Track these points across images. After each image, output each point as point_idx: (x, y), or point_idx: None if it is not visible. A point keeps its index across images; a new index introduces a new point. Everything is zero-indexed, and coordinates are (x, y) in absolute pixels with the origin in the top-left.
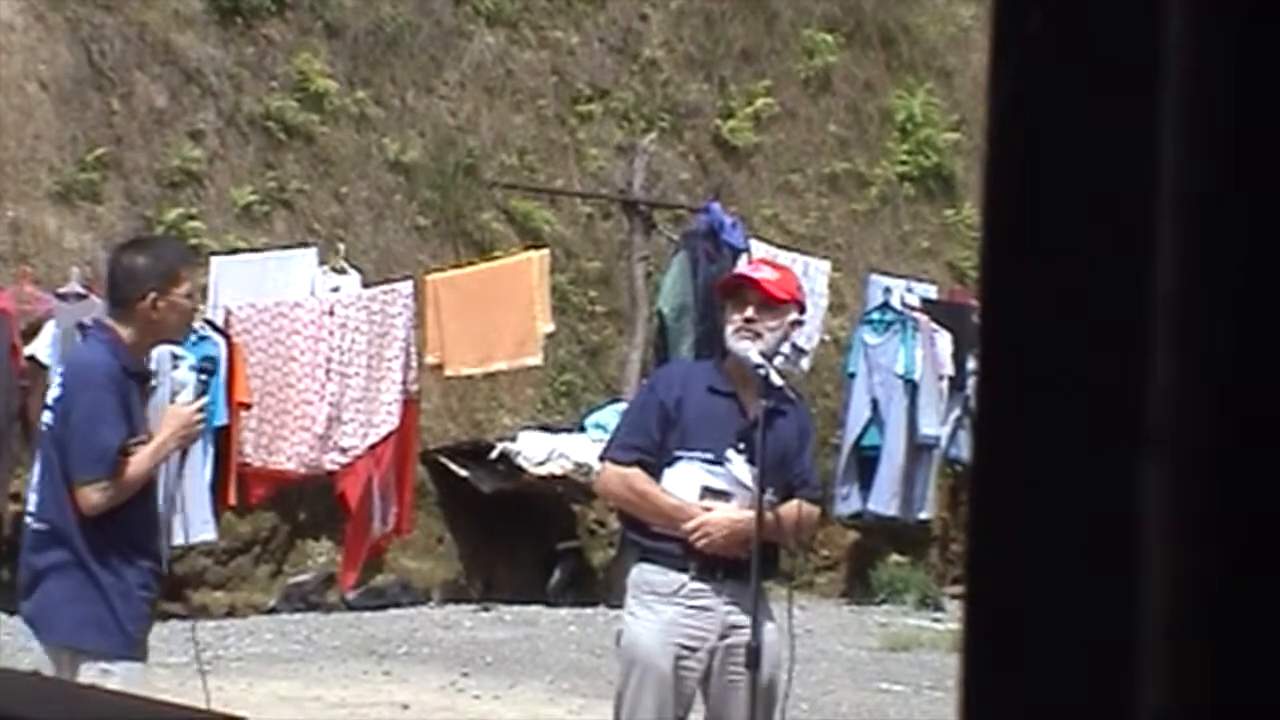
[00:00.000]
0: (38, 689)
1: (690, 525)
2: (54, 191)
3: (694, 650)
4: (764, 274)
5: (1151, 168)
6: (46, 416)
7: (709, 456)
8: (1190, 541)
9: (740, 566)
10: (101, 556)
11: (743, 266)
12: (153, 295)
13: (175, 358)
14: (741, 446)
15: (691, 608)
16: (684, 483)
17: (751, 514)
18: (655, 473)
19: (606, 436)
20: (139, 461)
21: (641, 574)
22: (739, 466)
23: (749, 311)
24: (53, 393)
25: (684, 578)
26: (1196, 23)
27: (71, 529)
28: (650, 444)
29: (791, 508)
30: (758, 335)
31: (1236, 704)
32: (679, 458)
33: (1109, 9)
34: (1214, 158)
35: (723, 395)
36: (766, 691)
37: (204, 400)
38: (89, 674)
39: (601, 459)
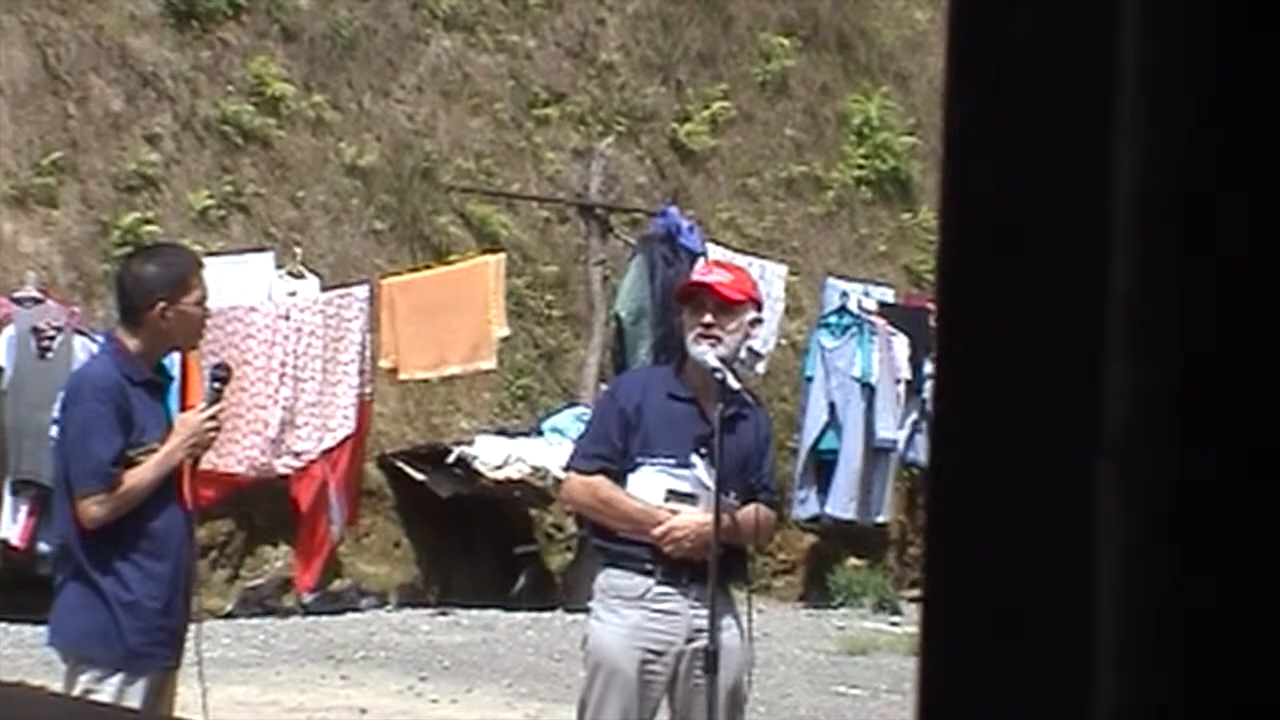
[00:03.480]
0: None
1: (658, 531)
2: (9, 196)
3: (660, 654)
4: (717, 277)
5: (1107, 172)
6: (54, 431)
7: (672, 460)
8: (1146, 545)
9: (706, 570)
10: (106, 567)
11: (697, 271)
12: (162, 304)
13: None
14: (703, 450)
15: (657, 612)
16: (648, 487)
17: (708, 516)
18: (619, 479)
19: (564, 441)
20: (141, 472)
21: (608, 578)
22: (703, 470)
23: (707, 317)
24: (57, 407)
25: (649, 582)
26: (1152, 27)
27: (76, 541)
28: (612, 451)
29: (750, 511)
30: (718, 339)
31: (1192, 707)
32: (641, 463)
33: (1066, 15)
34: (1170, 162)
35: (682, 400)
36: (731, 695)
37: (216, 408)
38: (84, 682)
39: (566, 470)
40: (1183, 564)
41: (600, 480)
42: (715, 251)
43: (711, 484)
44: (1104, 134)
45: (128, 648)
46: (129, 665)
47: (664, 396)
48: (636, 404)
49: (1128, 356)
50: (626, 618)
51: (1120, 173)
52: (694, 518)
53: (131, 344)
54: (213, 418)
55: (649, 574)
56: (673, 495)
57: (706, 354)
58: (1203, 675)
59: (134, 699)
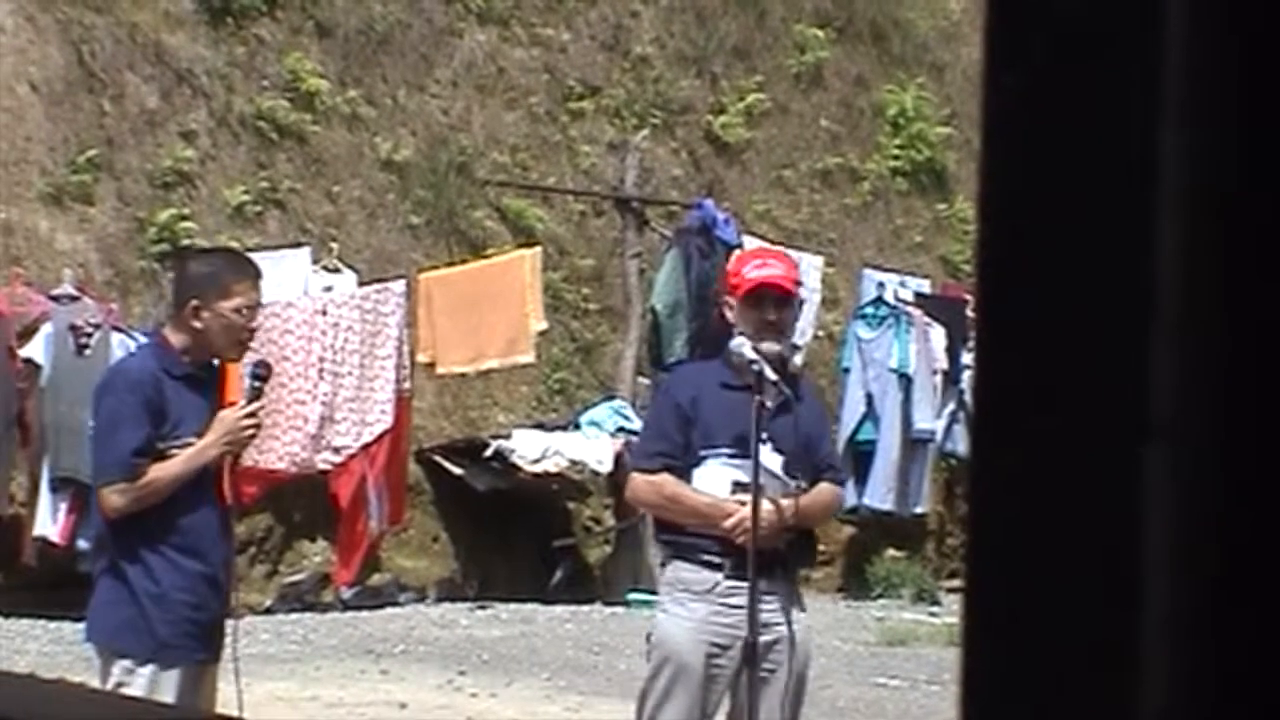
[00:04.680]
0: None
1: (729, 524)
2: (46, 193)
3: (726, 649)
4: (774, 271)
5: (1151, 163)
6: (89, 421)
7: (734, 451)
8: (1193, 536)
9: (774, 562)
10: (134, 558)
11: (751, 266)
12: (195, 304)
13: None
14: (764, 437)
15: (724, 606)
16: (714, 480)
17: (786, 501)
18: (683, 474)
19: (601, 434)
20: (169, 465)
21: (676, 571)
22: (767, 457)
23: (771, 314)
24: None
25: (718, 576)
26: (1197, 16)
27: (105, 531)
28: (673, 447)
29: (817, 493)
30: (782, 332)
31: (1240, 700)
32: (705, 457)
33: (1108, 3)
34: (1214, 153)
35: (737, 389)
36: (797, 686)
37: (255, 406)
38: (116, 674)
39: (630, 471)
40: (1230, 556)
41: (665, 478)
42: (751, 244)
43: (776, 470)
44: (1147, 125)
45: (158, 639)
46: (160, 657)
47: (718, 387)
48: (692, 397)
49: (1172, 347)
50: (694, 611)
51: (1164, 163)
52: (763, 506)
53: (175, 339)
54: (252, 415)
55: (718, 568)
56: (739, 486)
57: (743, 346)
58: (1254, 667)
59: (167, 691)
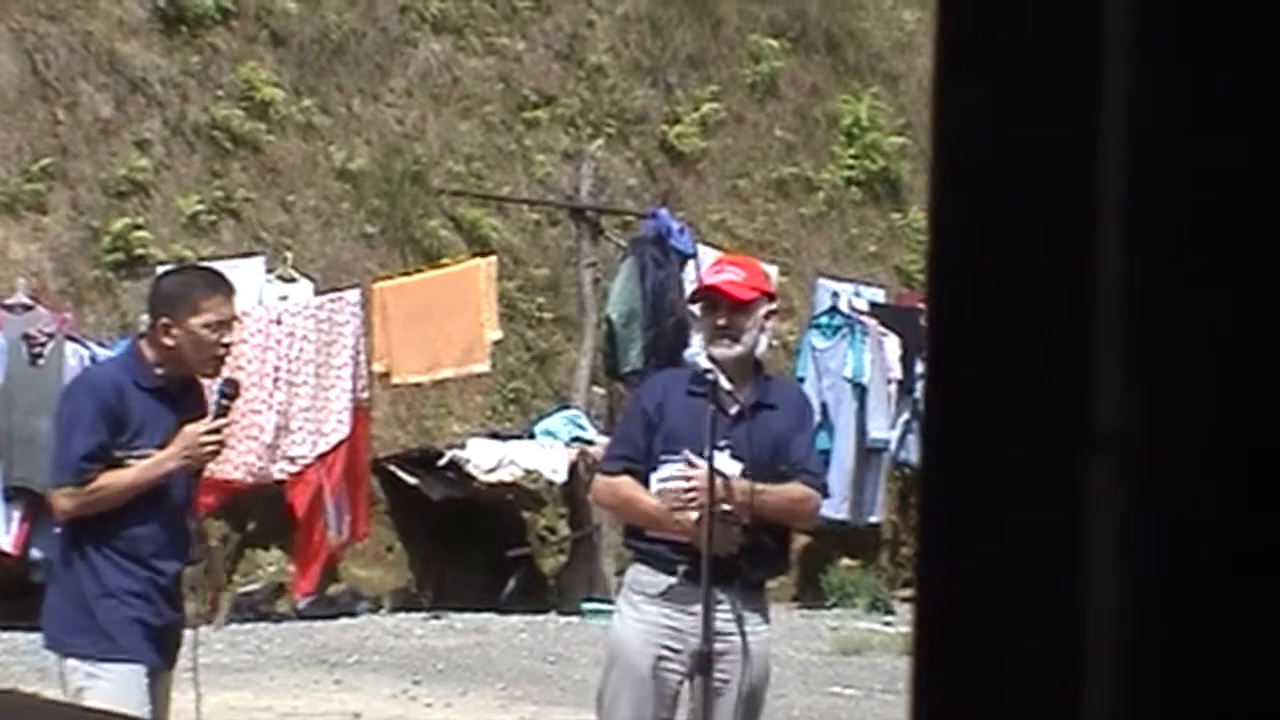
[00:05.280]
0: None
1: (679, 516)
2: None
3: (677, 652)
4: (728, 276)
5: (1093, 171)
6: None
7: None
8: (1137, 543)
9: (731, 570)
10: (85, 560)
11: (709, 270)
12: (165, 321)
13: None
14: (723, 444)
15: (678, 611)
16: None
17: (741, 484)
18: (645, 479)
19: (555, 443)
20: (123, 474)
21: (634, 574)
22: (723, 463)
23: (721, 319)
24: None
25: (672, 579)
26: (1141, 27)
27: (61, 532)
28: (636, 451)
29: (788, 486)
30: (734, 339)
31: (1185, 707)
32: (663, 461)
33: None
34: (1160, 163)
35: (700, 396)
36: (750, 697)
37: (220, 423)
38: (75, 678)
39: (596, 474)
40: (1175, 563)
41: (622, 480)
42: (706, 253)
43: (734, 473)
44: (1091, 134)
45: (106, 635)
46: (111, 655)
47: (683, 394)
48: (659, 403)
49: (1117, 355)
50: (645, 614)
51: (1105, 172)
52: (695, 473)
53: (149, 353)
54: (215, 431)
55: (672, 572)
56: None
57: (698, 356)
58: (1199, 673)
59: (125, 689)
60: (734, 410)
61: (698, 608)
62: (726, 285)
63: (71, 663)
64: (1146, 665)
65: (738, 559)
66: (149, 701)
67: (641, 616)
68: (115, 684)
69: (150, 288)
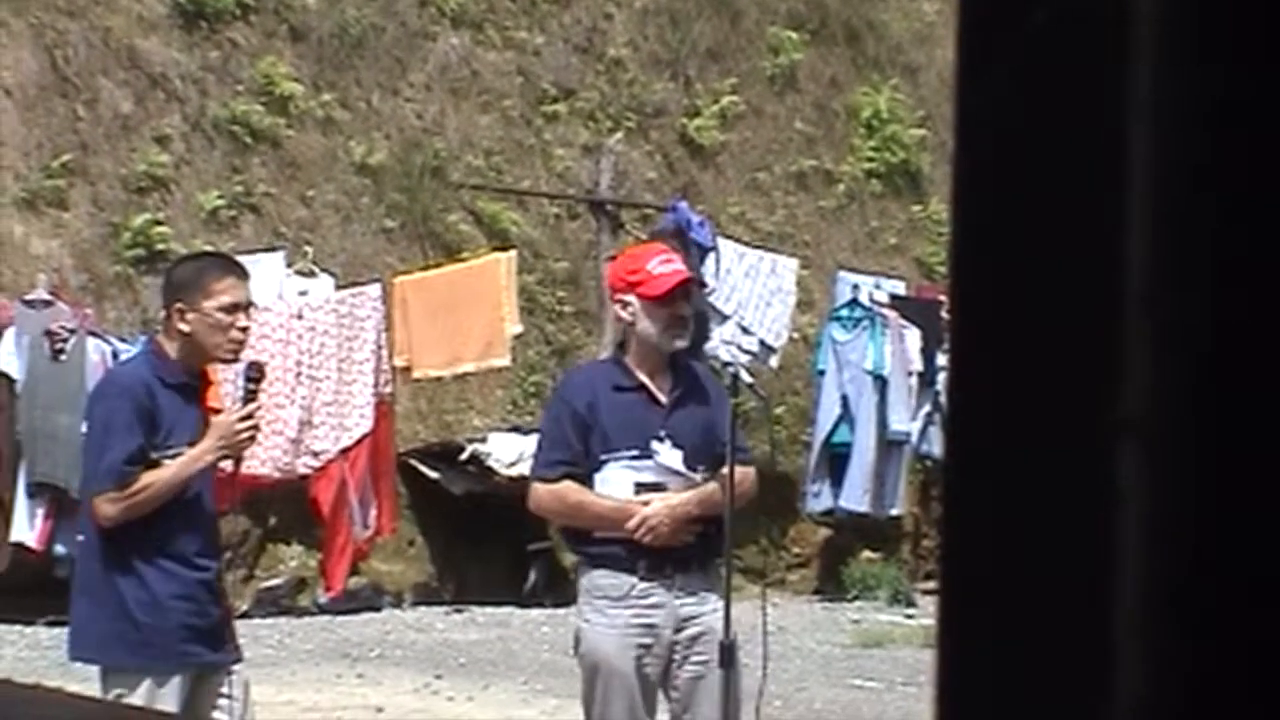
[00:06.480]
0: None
1: (632, 524)
2: (20, 198)
3: (651, 648)
4: (679, 266)
5: (1122, 166)
6: (83, 428)
7: (634, 453)
8: (1166, 531)
9: (688, 557)
10: (125, 567)
11: (650, 262)
12: (179, 306)
13: None
14: (662, 434)
15: (645, 607)
16: (616, 484)
17: (688, 494)
18: (584, 481)
19: None
20: (163, 472)
21: (591, 579)
22: (666, 455)
23: (684, 310)
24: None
25: (633, 579)
26: (1166, 18)
27: (95, 540)
28: (573, 454)
29: (720, 478)
30: (687, 325)
31: (1213, 693)
32: (605, 461)
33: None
34: (1186, 154)
35: (629, 390)
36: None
37: (251, 407)
38: (116, 690)
39: (530, 481)
40: (1202, 552)
41: (566, 485)
42: (726, 246)
43: (677, 466)
44: (1118, 129)
45: (152, 648)
46: (153, 668)
47: (611, 390)
48: (588, 402)
49: (1146, 345)
50: (615, 618)
51: (1133, 167)
52: (664, 502)
53: (168, 346)
54: (248, 417)
55: (632, 571)
56: (641, 487)
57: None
58: (1227, 663)
59: (169, 701)
60: (668, 399)
61: (662, 600)
62: (688, 276)
63: (115, 677)
64: (1175, 655)
65: (692, 546)
66: (196, 705)
67: (611, 621)
68: (157, 696)
69: (164, 278)
